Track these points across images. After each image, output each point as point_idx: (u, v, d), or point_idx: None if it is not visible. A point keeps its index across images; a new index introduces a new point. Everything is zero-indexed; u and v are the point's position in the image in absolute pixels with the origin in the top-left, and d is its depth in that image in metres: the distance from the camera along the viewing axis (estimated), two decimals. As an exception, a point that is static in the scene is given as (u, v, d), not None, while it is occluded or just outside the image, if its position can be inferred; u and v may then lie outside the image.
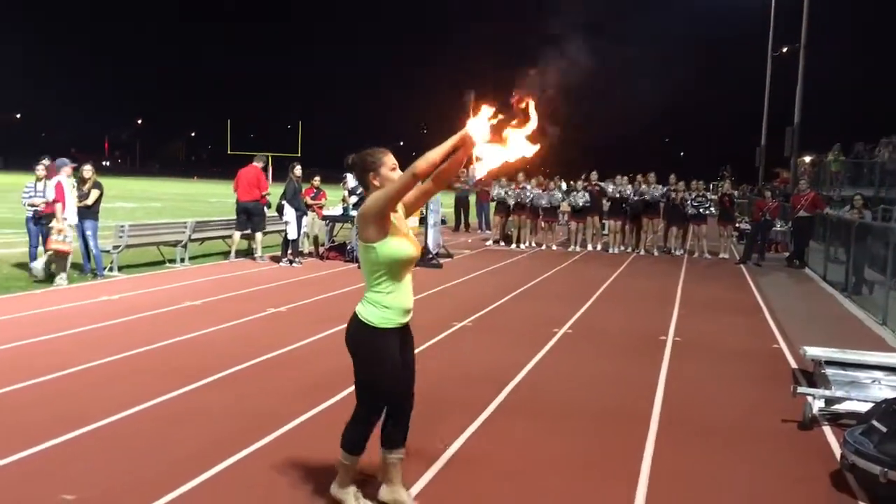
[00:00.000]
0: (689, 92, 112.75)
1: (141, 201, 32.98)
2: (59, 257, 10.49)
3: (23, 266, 11.47)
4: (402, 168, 3.67)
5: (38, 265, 10.58)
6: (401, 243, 3.65)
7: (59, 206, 10.48)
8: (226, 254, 14.32)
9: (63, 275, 10.43)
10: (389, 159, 3.72)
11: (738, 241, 20.20)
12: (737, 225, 20.91)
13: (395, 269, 3.65)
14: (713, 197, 17.63)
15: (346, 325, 3.80)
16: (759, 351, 8.06)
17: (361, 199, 15.90)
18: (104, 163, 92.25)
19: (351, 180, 15.77)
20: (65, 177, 10.78)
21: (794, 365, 7.40)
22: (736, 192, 20.41)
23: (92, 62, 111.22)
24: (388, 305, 3.68)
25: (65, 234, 10.42)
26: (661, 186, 17.41)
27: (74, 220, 10.80)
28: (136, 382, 5.91)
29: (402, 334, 3.82)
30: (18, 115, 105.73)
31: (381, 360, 3.69)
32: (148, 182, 64.06)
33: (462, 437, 5.00)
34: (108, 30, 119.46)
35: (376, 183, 3.67)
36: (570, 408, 5.76)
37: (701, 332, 8.87)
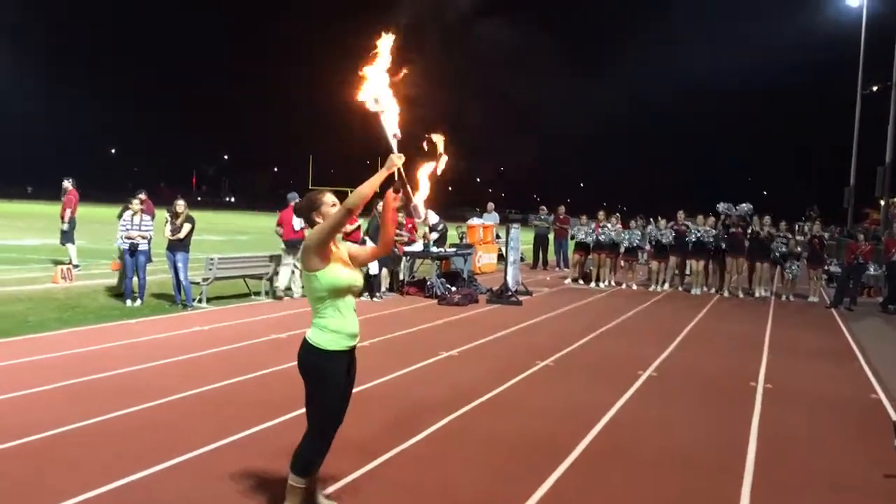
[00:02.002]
0: (775, 131, 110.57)
1: (227, 234, 33.96)
2: None
3: (117, 296, 11.94)
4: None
5: None
6: (341, 271, 3.94)
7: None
8: None
9: None
10: (329, 198, 4.07)
11: (829, 284, 19.47)
12: (827, 268, 20.17)
13: (336, 295, 3.93)
14: (800, 238, 17.03)
15: (298, 354, 4.00)
16: (856, 400, 7.71)
17: (442, 236, 16.17)
18: (199, 199, 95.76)
19: (433, 216, 15.95)
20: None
21: (894, 416, 7.05)
22: (826, 234, 19.67)
23: (181, 104, 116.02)
24: (334, 329, 3.93)
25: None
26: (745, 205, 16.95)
27: None
28: (227, 414, 6.05)
29: (349, 359, 4.05)
30: (113, 151, 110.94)
31: (333, 384, 3.95)
32: (233, 215, 66.06)
33: (549, 481, 4.92)
34: (198, 75, 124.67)
35: (319, 220, 4.00)
36: (661, 454, 5.60)
37: (793, 379, 8.55)
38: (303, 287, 4.01)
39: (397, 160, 3.98)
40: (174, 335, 9.31)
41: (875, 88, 28.58)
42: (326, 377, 3.93)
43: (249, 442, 5.42)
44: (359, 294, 4.14)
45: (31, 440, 5.22)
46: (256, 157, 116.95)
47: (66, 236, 16.10)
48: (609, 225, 17.89)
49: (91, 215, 36.12)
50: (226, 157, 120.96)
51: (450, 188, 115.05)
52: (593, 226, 17.99)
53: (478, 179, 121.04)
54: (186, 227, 11.78)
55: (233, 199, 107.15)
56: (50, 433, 5.37)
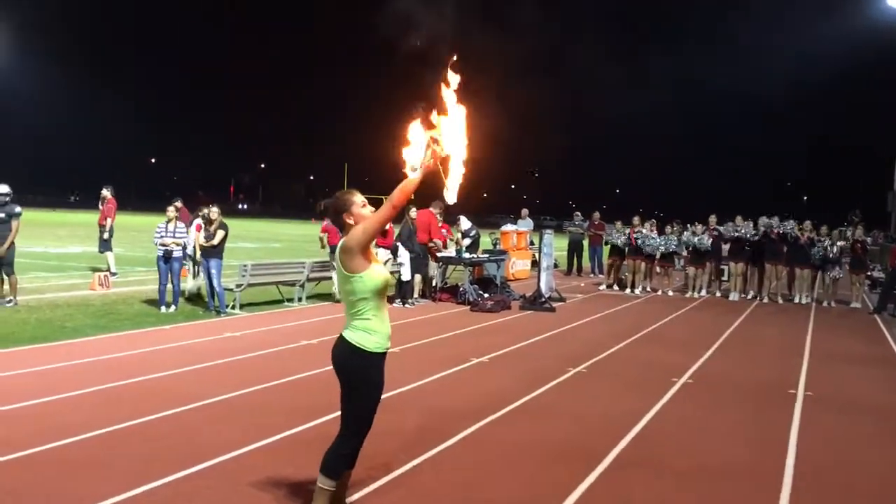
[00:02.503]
0: (816, 136, 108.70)
1: (262, 242, 34.28)
2: None
3: (152, 303, 12.06)
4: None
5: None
6: (381, 271, 3.93)
7: None
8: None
9: None
10: (358, 198, 4.01)
11: (871, 290, 19.02)
12: (870, 273, 19.72)
13: (378, 295, 3.90)
14: (841, 243, 16.61)
15: (335, 356, 3.94)
16: (900, 409, 7.47)
17: (475, 242, 16.09)
18: (241, 206, 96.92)
19: (465, 222, 15.90)
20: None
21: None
22: (869, 239, 19.22)
23: (221, 113, 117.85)
24: (377, 330, 3.90)
25: None
26: (790, 223, 16.61)
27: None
28: (255, 420, 6.03)
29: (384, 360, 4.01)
30: (153, 160, 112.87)
31: (373, 385, 3.93)
32: (269, 223, 66.71)
33: (578, 491, 4.81)
34: (236, 85, 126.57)
35: (350, 221, 3.93)
36: (695, 464, 5.46)
37: (834, 386, 8.32)
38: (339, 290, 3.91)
39: (437, 151, 3.93)
40: (206, 341, 9.36)
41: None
42: (369, 379, 3.90)
43: (277, 448, 5.40)
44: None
45: (63, 444, 5.25)
46: (292, 166, 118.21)
47: (105, 244, 16.32)
48: (644, 230, 17.67)
49: (130, 223, 36.75)
50: (262, 165, 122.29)
51: (485, 195, 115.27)
52: (628, 231, 17.77)
53: (512, 186, 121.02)
54: (220, 233, 11.86)
55: (245, 206, 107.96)
56: (82, 437, 5.40)
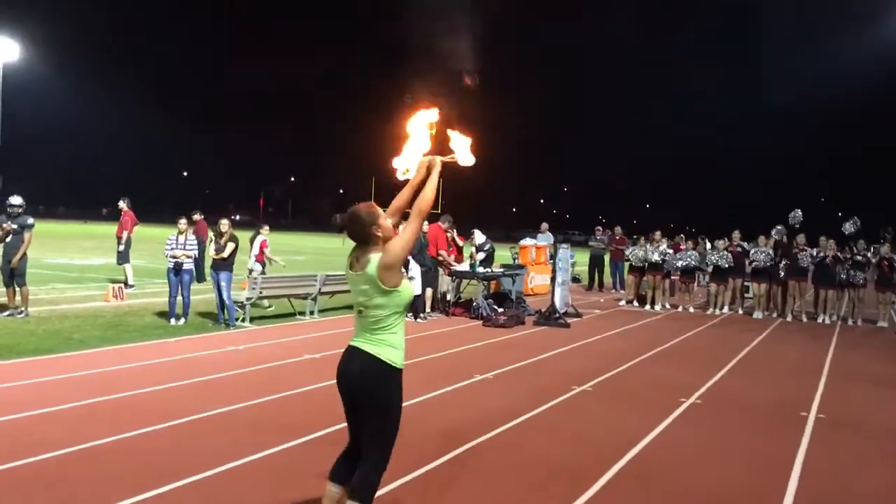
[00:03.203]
0: (849, 152, 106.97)
1: (286, 255, 34.27)
2: None
3: (163, 315, 12.05)
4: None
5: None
6: (409, 284, 3.83)
7: None
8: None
9: None
10: (380, 209, 3.91)
11: (901, 308, 18.48)
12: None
13: (406, 308, 3.83)
14: (860, 259, 16.16)
15: (357, 373, 3.74)
16: (918, 434, 7.15)
17: (489, 256, 15.92)
18: (282, 221, 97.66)
19: (479, 236, 15.74)
20: None
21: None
22: (896, 256, 18.67)
23: (249, 128, 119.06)
24: (402, 345, 3.80)
25: None
26: (810, 250, 16.22)
27: None
28: (241, 436, 5.91)
29: None
30: (185, 174, 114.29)
31: (401, 400, 3.81)
32: (297, 236, 67.02)
33: (564, 514, 4.62)
34: (267, 99, 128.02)
35: (378, 234, 3.78)
36: (690, 489, 5.23)
37: (850, 409, 8.01)
38: (365, 306, 3.76)
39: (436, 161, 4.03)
40: (209, 354, 9.29)
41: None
42: (400, 395, 3.78)
43: (260, 465, 5.27)
44: None
45: (39, 459, 5.17)
46: (321, 180, 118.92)
47: (122, 256, 16.43)
48: (663, 246, 17.38)
49: (158, 235, 37.07)
50: (292, 179, 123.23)
51: (514, 209, 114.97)
52: (647, 246, 17.48)
53: (541, 200, 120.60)
54: (230, 246, 11.82)
55: (308, 222, 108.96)
56: (59, 452, 5.32)
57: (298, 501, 4.62)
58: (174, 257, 11.74)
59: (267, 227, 14.63)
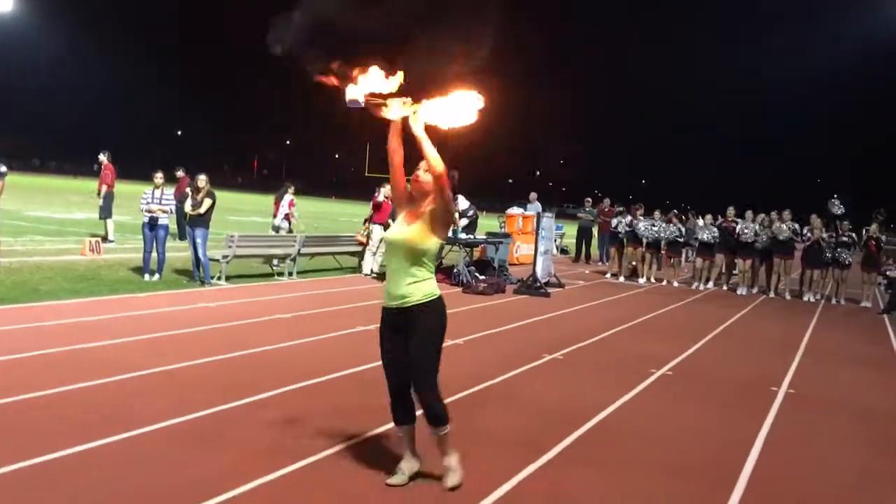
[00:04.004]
0: (848, 133, 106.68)
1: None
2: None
3: (138, 271, 11.87)
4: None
5: None
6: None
7: None
8: (338, 270, 14.71)
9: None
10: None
11: (886, 289, 18.40)
12: (885, 272, 19.08)
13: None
14: (845, 240, 16.01)
15: (421, 308, 4.12)
16: (887, 411, 7.07)
17: (472, 222, 15.72)
18: (297, 187, 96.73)
19: (463, 202, 15.56)
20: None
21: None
22: (884, 237, 18.56)
23: (247, 88, 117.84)
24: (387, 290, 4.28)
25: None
26: (794, 225, 16.08)
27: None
28: (186, 393, 5.74)
29: None
30: (179, 133, 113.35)
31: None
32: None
33: (510, 482, 4.49)
34: (262, 60, 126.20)
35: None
36: (645, 460, 5.11)
37: (821, 386, 7.92)
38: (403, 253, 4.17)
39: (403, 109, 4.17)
40: (177, 310, 9.13)
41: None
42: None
43: (191, 426, 5.11)
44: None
45: (-18, 407, 5.03)
46: (317, 143, 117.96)
47: (104, 210, 16.20)
48: (641, 218, 17.24)
49: (141, 192, 36.77)
50: (287, 142, 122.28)
51: (510, 181, 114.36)
52: (629, 218, 17.31)
53: (537, 173, 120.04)
54: (207, 202, 11.61)
55: (302, 186, 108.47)
56: (12, 399, 5.20)
57: (232, 463, 4.48)
58: (150, 212, 11.54)
59: (292, 187, 15.32)
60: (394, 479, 4.26)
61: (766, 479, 4.93)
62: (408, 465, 4.33)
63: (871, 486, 5.04)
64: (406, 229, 4.12)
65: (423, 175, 4.16)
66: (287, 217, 15.08)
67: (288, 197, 15.12)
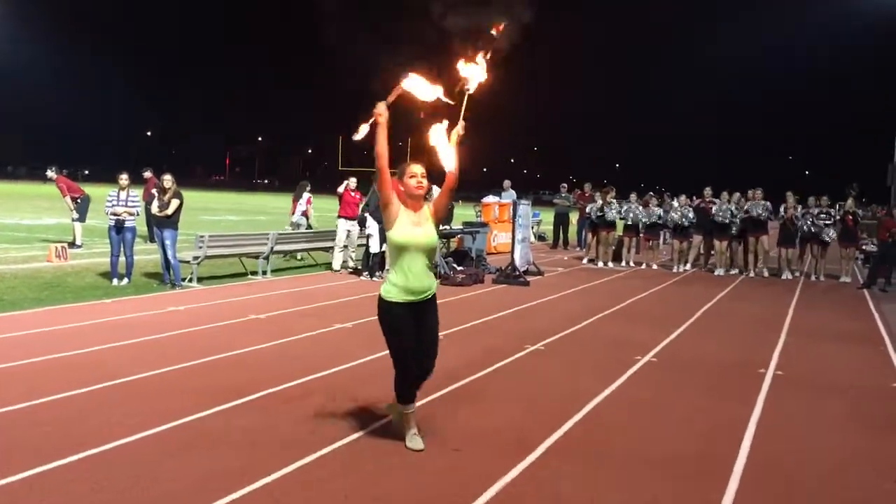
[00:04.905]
0: (817, 109, 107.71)
1: (249, 215, 33.70)
2: None
3: (105, 276, 11.52)
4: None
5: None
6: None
7: None
8: (311, 267, 14.47)
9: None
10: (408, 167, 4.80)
11: (864, 264, 18.46)
12: (862, 247, 19.15)
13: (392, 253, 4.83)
14: (835, 215, 16.01)
15: (434, 294, 4.83)
16: (874, 389, 6.95)
17: (448, 213, 15.48)
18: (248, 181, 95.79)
19: (437, 191, 15.30)
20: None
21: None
22: (860, 211, 18.61)
23: (220, 87, 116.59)
24: (395, 281, 4.82)
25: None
26: (766, 203, 15.99)
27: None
28: (166, 401, 5.50)
29: None
30: (149, 133, 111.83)
31: (387, 329, 4.91)
32: (262, 197, 66.15)
33: (502, 481, 4.29)
34: (234, 58, 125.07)
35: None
36: (638, 452, 4.93)
37: (808, 365, 7.80)
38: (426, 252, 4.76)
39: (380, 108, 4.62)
40: (145, 315, 8.83)
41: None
42: (386, 323, 4.87)
43: (166, 437, 4.86)
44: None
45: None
46: (291, 140, 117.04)
47: (81, 214, 16.03)
48: (609, 200, 17.13)
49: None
50: (259, 139, 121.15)
51: (484, 169, 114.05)
52: (600, 203, 17.17)
53: (512, 160, 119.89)
54: (174, 203, 11.29)
55: (276, 183, 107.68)
56: (-42, 422, 4.90)
57: (218, 471, 4.24)
58: (115, 214, 11.19)
59: (309, 185, 16.31)
60: (415, 444, 4.73)
61: (761, 465, 4.77)
62: (416, 437, 4.78)
63: (865, 466, 4.89)
64: (425, 231, 4.67)
65: (423, 180, 4.69)
66: (305, 213, 15.90)
67: (305, 195, 15.96)
